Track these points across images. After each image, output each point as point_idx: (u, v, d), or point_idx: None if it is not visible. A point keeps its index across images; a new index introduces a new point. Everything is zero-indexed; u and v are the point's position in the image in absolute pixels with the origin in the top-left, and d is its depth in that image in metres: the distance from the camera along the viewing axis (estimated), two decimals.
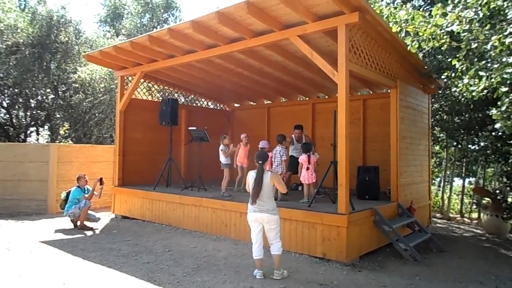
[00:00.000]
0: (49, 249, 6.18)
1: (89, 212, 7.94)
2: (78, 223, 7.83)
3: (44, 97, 17.59)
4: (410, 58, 7.40)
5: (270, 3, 5.58)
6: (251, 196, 4.77)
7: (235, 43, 7.06)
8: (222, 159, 8.06)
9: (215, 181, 9.27)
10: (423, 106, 8.57)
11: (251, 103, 12.85)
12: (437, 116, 11.00)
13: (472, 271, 5.63)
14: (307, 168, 6.77)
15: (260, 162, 4.83)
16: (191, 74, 9.89)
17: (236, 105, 13.18)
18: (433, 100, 9.88)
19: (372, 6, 8.20)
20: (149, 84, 10.98)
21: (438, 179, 17.44)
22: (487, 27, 4.31)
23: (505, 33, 4.05)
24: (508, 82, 4.02)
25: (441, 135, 12.34)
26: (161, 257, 5.76)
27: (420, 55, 7.74)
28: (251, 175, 4.89)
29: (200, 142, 8.54)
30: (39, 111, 17.93)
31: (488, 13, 4.39)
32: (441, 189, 14.77)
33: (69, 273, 5.00)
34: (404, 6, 5.60)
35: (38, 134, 19.11)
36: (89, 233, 7.54)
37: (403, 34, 5.21)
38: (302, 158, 6.87)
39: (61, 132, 17.70)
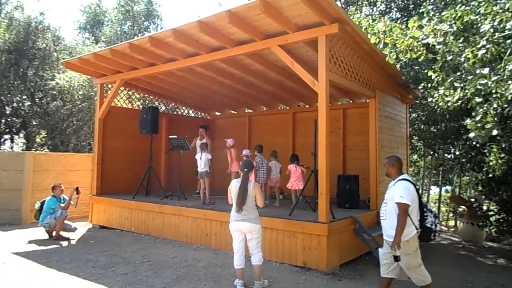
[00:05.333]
0: (23, 261, 5.98)
1: (65, 222, 7.74)
2: (54, 233, 7.62)
3: (20, 104, 17.18)
4: (388, 68, 7.56)
5: (252, 13, 5.63)
6: (237, 204, 4.70)
7: (217, 52, 7.07)
8: (204, 167, 7.97)
9: (195, 190, 9.20)
10: (401, 116, 8.75)
11: (232, 111, 12.85)
12: (415, 126, 11.22)
13: (449, 279, 5.72)
14: (300, 177, 7.34)
15: (245, 170, 4.82)
16: (172, 82, 9.84)
17: (217, 113, 13.17)
18: (410, 110, 10.08)
19: (351, 17, 8.36)
20: (129, 92, 10.86)
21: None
22: (461, 40, 4.44)
23: (478, 46, 4.18)
24: (482, 93, 4.14)
25: (419, 144, 12.58)
26: (140, 268, 5.64)
27: (398, 66, 7.92)
28: (234, 184, 4.85)
29: (181, 150, 8.47)
30: (14, 118, 17.48)
31: (462, 27, 4.53)
32: None
33: (43, 286, 4.84)
34: (382, 18, 5.74)
35: (12, 141, 18.59)
36: (64, 243, 7.34)
37: (381, 46, 5.32)
38: (291, 167, 7.39)
39: (37, 140, 17.28)
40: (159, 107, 11.07)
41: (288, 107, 11.55)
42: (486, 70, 4.13)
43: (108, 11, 23.60)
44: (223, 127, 12.66)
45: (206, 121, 12.90)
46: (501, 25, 4.12)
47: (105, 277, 5.20)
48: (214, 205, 7.55)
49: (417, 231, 4.10)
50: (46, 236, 7.71)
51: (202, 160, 7.95)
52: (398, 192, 4.05)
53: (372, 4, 12.59)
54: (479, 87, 4.06)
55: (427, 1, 8.91)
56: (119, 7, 22.52)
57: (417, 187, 4.54)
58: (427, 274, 4.24)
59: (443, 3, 7.02)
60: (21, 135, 18.52)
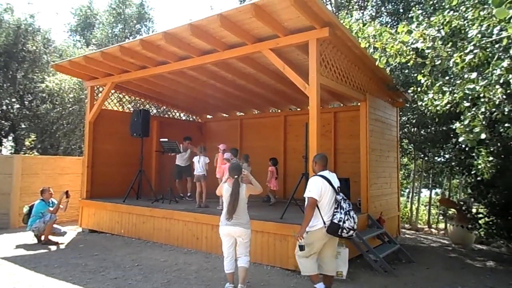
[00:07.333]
0: (10, 266, 5.89)
1: (55, 226, 7.65)
2: (42, 237, 7.52)
3: (9, 107, 17.00)
4: (379, 72, 7.62)
5: (243, 16, 5.64)
6: (228, 211, 4.60)
7: (208, 55, 7.07)
8: (202, 170, 7.95)
9: (179, 193, 9.16)
10: (391, 119, 8.82)
11: (224, 114, 12.84)
12: (405, 129, 11.31)
13: (439, 281, 5.76)
14: (276, 178, 8.53)
15: (235, 176, 4.71)
16: (164, 85, 9.80)
17: (208, 116, 13.14)
18: (401, 113, 10.17)
19: (341, 21, 8.41)
20: (120, 95, 10.80)
21: (407, 191, 17.89)
22: (449, 45, 4.50)
23: (466, 51, 4.24)
24: (470, 97, 4.20)
25: (409, 147, 12.69)
26: (130, 272, 5.60)
27: (388, 69, 7.98)
28: (225, 189, 4.77)
29: (172, 153, 8.44)
30: (3, 121, 17.29)
31: (450, 32, 4.60)
32: (409, 200, 15.14)
33: None
34: (372, 22, 5.79)
35: (1, 145, 18.36)
36: (53, 248, 7.25)
37: (371, 50, 5.37)
38: (272, 169, 8.46)
39: (27, 143, 17.10)
40: (150, 110, 11.04)
41: (279, 110, 11.57)
42: (474, 75, 4.19)
43: (99, 13, 23.51)
44: (215, 130, 12.65)
45: (197, 124, 12.88)
46: (488, 31, 4.18)
47: (94, 282, 5.14)
48: (207, 208, 7.52)
49: (324, 225, 4.30)
50: (35, 241, 7.61)
51: (200, 164, 7.94)
52: (308, 187, 4.43)
53: (362, 8, 12.72)
54: (467, 91, 4.12)
55: (417, 6, 9.03)
56: (111, 9, 22.45)
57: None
58: (309, 268, 4.44)
59: (432, 8, 7.11)
60: (10, 138, 18.31)
